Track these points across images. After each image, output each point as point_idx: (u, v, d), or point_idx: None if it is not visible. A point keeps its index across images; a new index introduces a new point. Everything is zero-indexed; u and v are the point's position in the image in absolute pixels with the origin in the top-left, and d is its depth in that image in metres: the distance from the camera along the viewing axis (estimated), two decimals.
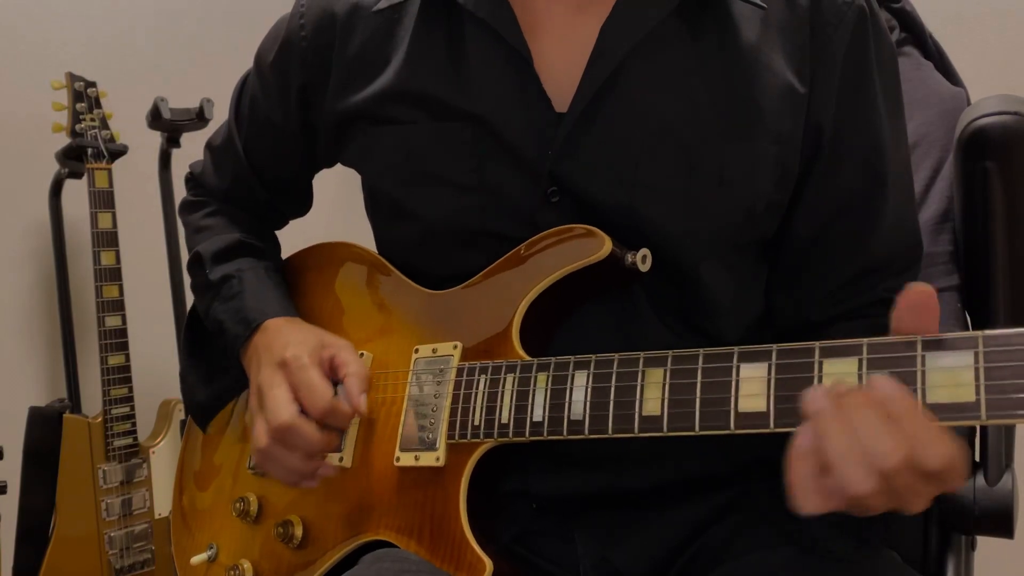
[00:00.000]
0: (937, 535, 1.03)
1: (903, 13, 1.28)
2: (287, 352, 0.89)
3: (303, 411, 0.86)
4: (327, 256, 1.05)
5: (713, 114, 0.83)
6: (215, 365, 1.06)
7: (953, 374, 0.60)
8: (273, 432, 0.86)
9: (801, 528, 0.84)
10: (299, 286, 1.06)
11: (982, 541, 1.04)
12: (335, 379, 0.89)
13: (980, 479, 1.01)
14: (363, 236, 1.04)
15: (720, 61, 0.84)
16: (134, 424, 1.98)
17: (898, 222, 0.89)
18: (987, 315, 1.04)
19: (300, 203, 1.14)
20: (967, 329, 1.10)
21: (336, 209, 1.64)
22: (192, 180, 1.15)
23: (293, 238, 1.14)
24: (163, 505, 2.02)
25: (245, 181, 1.08)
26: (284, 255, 1.12)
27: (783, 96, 0.83)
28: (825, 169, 0.86)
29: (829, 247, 0.89)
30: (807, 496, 0.61)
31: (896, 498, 0.60)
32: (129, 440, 1.97)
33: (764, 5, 0.85)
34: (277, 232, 1.15)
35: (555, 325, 0.85)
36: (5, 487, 1.76)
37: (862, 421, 0.59)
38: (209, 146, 1.13)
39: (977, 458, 1.04)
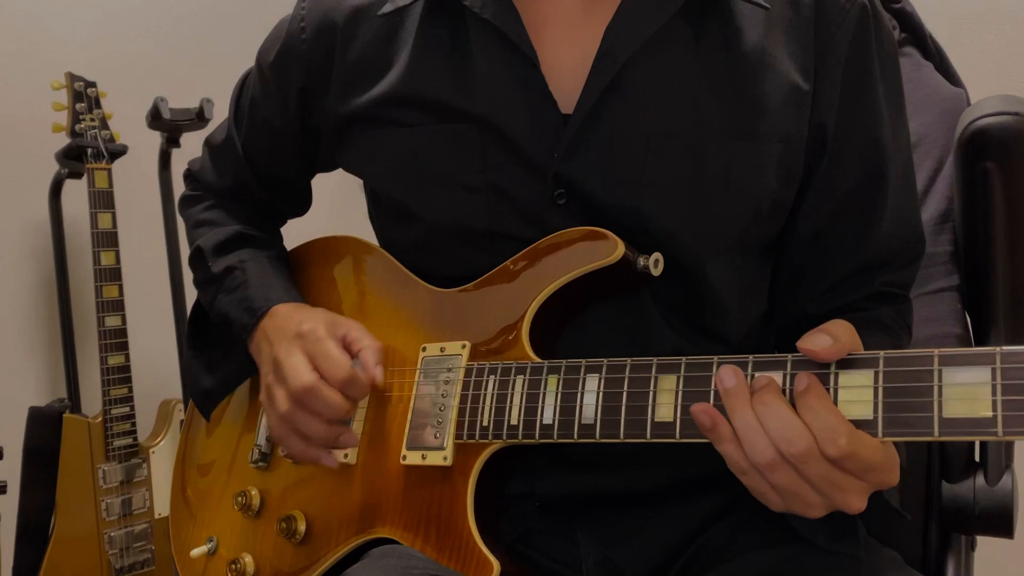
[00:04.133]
0: (937, 535, 1.03)
1: (903, 13, 1.29)
2: (303, 326, 0.89)
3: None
4: (332, 250, 1.05)
5: (718, 114, 0.83)
6: (217, 354, 1.06)
7: (970, 389, 0.61)
8: (294, 395, 0.85)
9: (801, 528, 0.84)
10: (303, 280, 1.06)
11: (982, 541, 1.05)
12: (350, 354, 0.89)
13: (980, 479, 1.01)
14: (363, 235, 1.04)
15: (724, 61, 0.84)
16: (134, 424, 1.98)
17: (899, 219, 0.89)
18: (987, 315, 1.05)
19: (299, 203, 1.14)
20: (967, 329, 1.10)
21: (336, 208, 1.64)
22: (191, 176, 1.15)
23: (293, 237, 1.14)
24: (163, 505, 2.02)
25: (244, 180, 1.08)
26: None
27: (788, 95, 0.84)
28: (828, 167, 0.87)
29: (830, 243, 0.89)
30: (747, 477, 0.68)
31: (822, 490, 0.65)
32: (129, 440, 1.97)
33: (767, 5, 0.85)
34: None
35: (562, 326, 0.85)
36: (5, 487, 1.75)
37: (767, 409, 0.65)
38: (208, 143, 1.13)
39: (977, 458, 1.04)
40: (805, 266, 0.91)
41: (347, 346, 0.89)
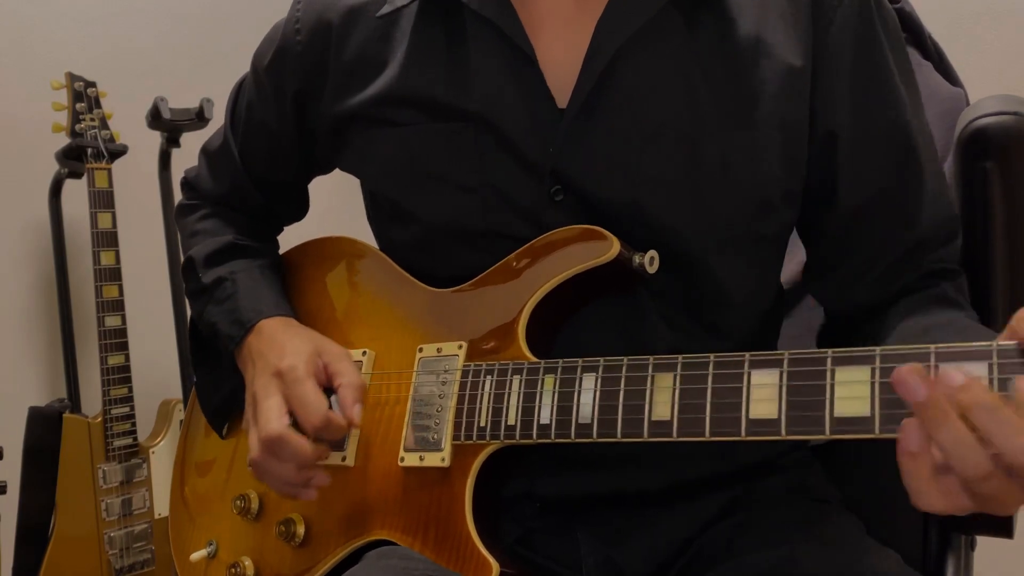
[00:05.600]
0: (937, 535, 1.03)
1: (902, 13, 1.28)
2: (283, 363, 0.88)
3: (297, 424, 0.86)
4: (327, 251, 1.05)
5: (713, 104, 0.83)
6: (221, 369, 1.05)
7: None
8: (263, 443, 0.85)
9: (802, 527, 0.84)
10: (298, 282, 1.05)
11: (982, 541, 1.04)
12: (330, 387, 0.89)
13: None
14: (360, 236, 1.03)
15: (718, 50, 0.84)
16: (134, 424, 1.98)
17: (936, 194, 0.88)
18: (987, 315, 1.05)
19: (296, 207, 1.14)
20: None
21: (332, 210, 1.64)
22: (187, 184, 1.15)
23: (291, 238, 1.13)
24: (163, 505, 2.02)
25: (241, 185, 1.08)
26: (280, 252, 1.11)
27: (784, 82, 0.83)
28: (854, 152, 0.85)
29: (875, 228, 0.88)
30: (927, 496, 0.60)
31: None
32: (129, 440, 1.98)
33: None
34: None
35: (558, 325, 0.85)
36: (5, 487, 1.76)
37: (983, 418, 0.57)
38: (204, 151, 1.13)
39: None
40: (846, 253, 0.89)
41: (329, 378, 0.89)
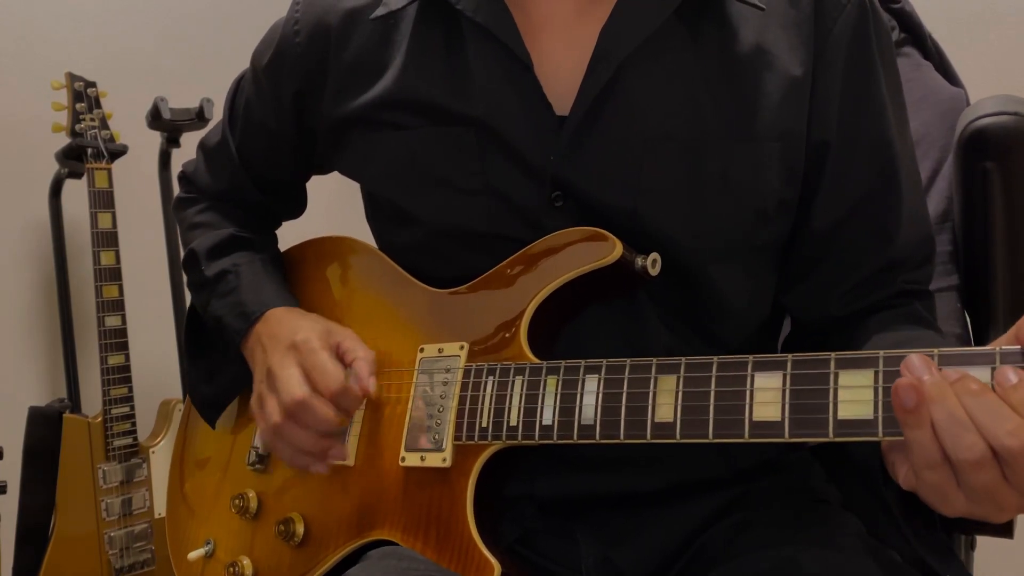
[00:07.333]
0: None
1: (902, 13, 1.29)
2: (297, 336, 0.89)
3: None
4: (327, 250, 1.05)
5: (715, 115, 0.83)
6: (216, 361, 1.06)
7: None
8: (286, 408, 0.86)
9: (802, 527, 0.84)
10: (297, 281, 1.05)
11: (982, 541, 1.04)
12: (343, 364, 0.89)
13: None
14: (361, 236, 1.03)
15: (720, 62, 0.84)
16: (134, 424, 1.98)
17: (914, 214, 0.89)
18: (987, 315, 1.05)
19: (294, 205, 1.14)
20: (966, 329, 1.10)
21: (334, 209, 1.64)
22: (185, 178, 1.15)
23: (292, 238, 1.13)
24: (163, 505, 2.02)
25: (238, 182, 1.08)
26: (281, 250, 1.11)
27: (785, 93, 0.83)
28: (837, 163, 0.86)
29: (850, 242, 0.88)
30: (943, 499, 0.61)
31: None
32: (129, 440, 1.98)
33: (763, 7, 0.85)
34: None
35: (559, 327, 0.85)
36: (5, 487, 1.76)
37: (976, 400, 0.58)
38: (202, 146, 1.13)
39: None
40: (820, 263, 0.89)
41: (340, 356, 0.89)
